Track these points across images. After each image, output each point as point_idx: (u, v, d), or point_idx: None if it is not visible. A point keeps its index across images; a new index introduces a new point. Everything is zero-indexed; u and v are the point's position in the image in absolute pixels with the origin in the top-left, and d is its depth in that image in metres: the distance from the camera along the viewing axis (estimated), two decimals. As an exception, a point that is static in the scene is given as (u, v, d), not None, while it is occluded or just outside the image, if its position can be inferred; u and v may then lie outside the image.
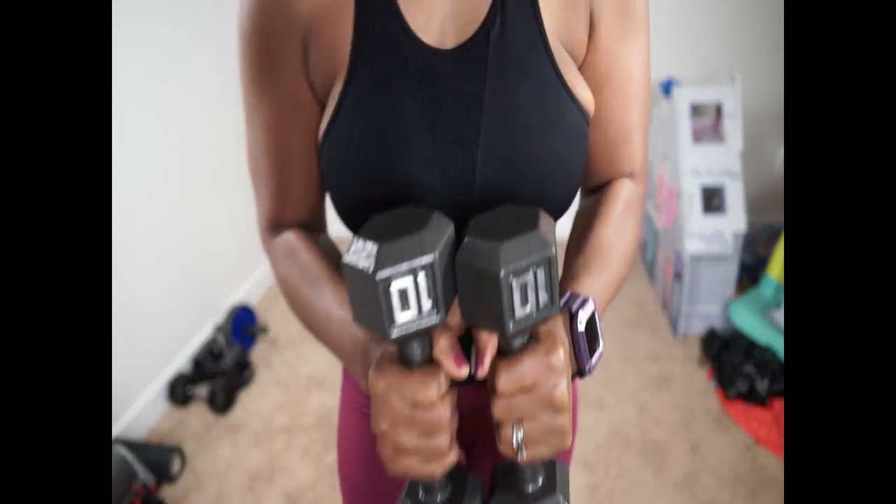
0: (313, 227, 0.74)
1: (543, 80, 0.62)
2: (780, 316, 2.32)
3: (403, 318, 0.49)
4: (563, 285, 0.64)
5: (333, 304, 0.63)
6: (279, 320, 2.71)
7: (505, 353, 0.53)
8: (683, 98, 2.40)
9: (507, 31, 0.61)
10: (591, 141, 0.70)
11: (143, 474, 1.80)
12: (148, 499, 1.76)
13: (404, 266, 0.48)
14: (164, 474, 1.84)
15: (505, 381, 0.51)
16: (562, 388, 0.51)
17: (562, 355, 0.51)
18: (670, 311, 2.56)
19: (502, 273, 0.47)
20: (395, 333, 0.49)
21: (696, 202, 2.34)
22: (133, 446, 1.85)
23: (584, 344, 0.59)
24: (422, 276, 0.48)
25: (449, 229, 0.51)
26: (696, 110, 2.64)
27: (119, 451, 1.74)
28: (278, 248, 0.70)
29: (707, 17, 2.89)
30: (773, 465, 1.87)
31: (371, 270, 0.47)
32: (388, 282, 0.47)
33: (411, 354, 0.52)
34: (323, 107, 0.65)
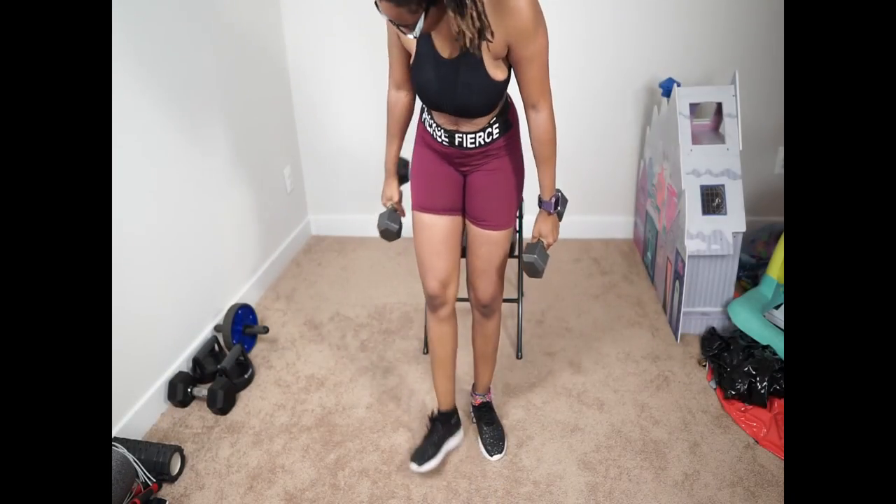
0: (407, 83, 1.67)
1: (480, 73, 1.42)
2: (779, 316, 2.32)
3: None
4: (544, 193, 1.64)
5: (391, 143, 1.80)
6: (279, 320, 2.71)
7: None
8: (683, 98, 2.40)
9: (467, 57, 1.41)
10: (519, 82, 1.47)
11: (143, 474, 1.80)
12: (148, 499, 1.76)
13: None
14: (164, 474, 1.84)
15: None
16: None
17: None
18: (670, 311, 2.56)
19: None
20: None
21: (696, 202, 2.34)
22: (133, 446, 1.85)
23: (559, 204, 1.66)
24: None
25: None
26: (696, 110, 2.64)
27: (119, 451, 1.74)
28: (391, 96, 1.71)
29: (707, 18, 2.89)
30: (773, 465, 1.87)
31: None
32: None
33: None
34: (408, 51, 1.55)
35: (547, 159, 1.55)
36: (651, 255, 2.91)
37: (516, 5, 1.31)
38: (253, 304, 2.79)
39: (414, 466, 1.82)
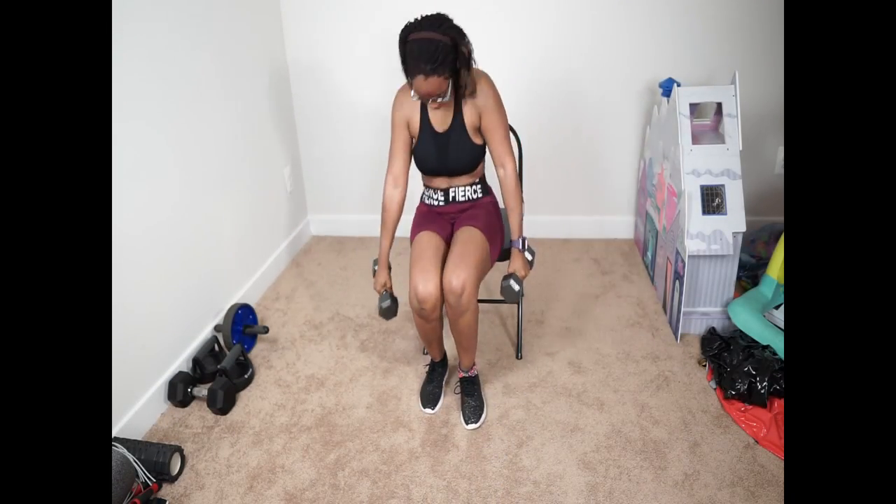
0: (402, 177, 2.08)
1: (465, 140, 1.98)
2: (779, 316, 2.32)
3: None
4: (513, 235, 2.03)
5: (384, 237, 2.11)
6: (279, 320, 2.71)
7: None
8: (683, 98, 2.40)
9: (454, 128, 1.97)
10: (490, 147, 2.00)
11: (143, 474, 1.80)
12: (148, 499, 1.76)
13: None
14: (164, 474, 1.84)
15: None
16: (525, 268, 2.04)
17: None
18: (670, 311, 2.56)
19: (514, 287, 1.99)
20: None
21: (696, 202, 2.34)
22: (133, 446, 1.85)
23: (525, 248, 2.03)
24: None
25: None
26: (696, 110, 2.63)
27: (119, 451, 1.74)
28: (388, 193, 2.09)
29: (707, 18, 2.89)
30: (773, 464, 1.87)
31: None
32: None
33: None
34: (412, 136, 2.05)
35: (514, 207, 2.01)
36: (651, 255, 2.91)
37: (485, 86, 1.94)
38: (253, 304, 2.79)
39: (429, 411, 2.15)
